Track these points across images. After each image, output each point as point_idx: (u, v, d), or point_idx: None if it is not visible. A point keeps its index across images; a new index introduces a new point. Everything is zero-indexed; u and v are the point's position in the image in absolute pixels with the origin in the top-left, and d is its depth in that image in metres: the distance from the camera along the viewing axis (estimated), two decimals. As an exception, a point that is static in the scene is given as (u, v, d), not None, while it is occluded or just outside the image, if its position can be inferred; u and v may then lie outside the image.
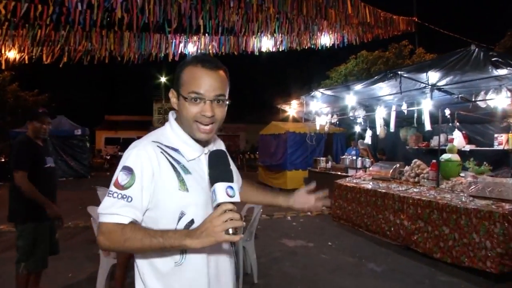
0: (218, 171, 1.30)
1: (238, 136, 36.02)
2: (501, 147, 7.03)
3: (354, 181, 7.87)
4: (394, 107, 7.76)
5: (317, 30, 10.45)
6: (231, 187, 1.24)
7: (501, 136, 7.06)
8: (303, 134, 12.04)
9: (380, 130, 8.38)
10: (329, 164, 10.29)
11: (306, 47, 11.12)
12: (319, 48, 11.15)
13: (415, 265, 5.21)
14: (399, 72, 5.93)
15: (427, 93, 6.60)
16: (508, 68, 4.80)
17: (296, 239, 6.48)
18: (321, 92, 8.63)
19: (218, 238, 1.18)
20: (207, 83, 1.36)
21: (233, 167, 1.55)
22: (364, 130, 10.14)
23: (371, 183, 7.35)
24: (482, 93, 5.93)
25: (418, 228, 5.69)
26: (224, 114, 1.44)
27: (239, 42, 10.44)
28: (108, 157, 23.02)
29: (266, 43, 10.63)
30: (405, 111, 7.41)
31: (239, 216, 1.19)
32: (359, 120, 8.94)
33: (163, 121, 35.84)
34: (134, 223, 1.30)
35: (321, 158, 10.79)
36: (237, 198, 1.23)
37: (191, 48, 10.25)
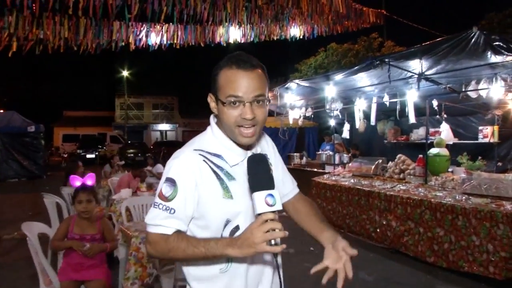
0: (256, 178, 1.23)
1: (204, 132, 35.37)
2: (486, 140, 6.72)
3: (333, 178, 7.37)
4: (375, 99, 7.31)
5: (287, 19, 9.99)
6: (271, 195, 1.18)
7: (486, 128, 6.75)
8: (274, 129, 11.48)
9: (359, 123, 7.92)
10: (304, 160, 9.77)
11: (275, 38, 10.65)
12: (289, 39, 10.70)
13: (409, 271, 4.74)
14: (386, 60, 5.43)
15: (412, 83, 6.17)
16: (509, 53, 4.38)
17: (275, 244, 5.90)
18: (297, 83, 8.05)
19: (258, 249, 1.16)
20: (245, 85, 1.29)
21: (285, 171, 1.61)
22: (341, 124, 9.68)
23: (352, 180, 6.86)
24: (473, 82, 5.54)
25: (407, 230, 5.25)
26: (265, 114, 1.36)
27: (205, 32, 9.79)
28: (66, 155, 21.75)
29: (234, 34, 10.03)
30: (387, 103, 6.96)
31: (280, 226, 1.14)
32: (336, 113, 8.43)
33: (126, 117, 34.70)
34: (178, 233, 1.31)
35: (295, 154, 10.26)
36: (278, 206, 1.18)
37: (154, 38, 9.49)
